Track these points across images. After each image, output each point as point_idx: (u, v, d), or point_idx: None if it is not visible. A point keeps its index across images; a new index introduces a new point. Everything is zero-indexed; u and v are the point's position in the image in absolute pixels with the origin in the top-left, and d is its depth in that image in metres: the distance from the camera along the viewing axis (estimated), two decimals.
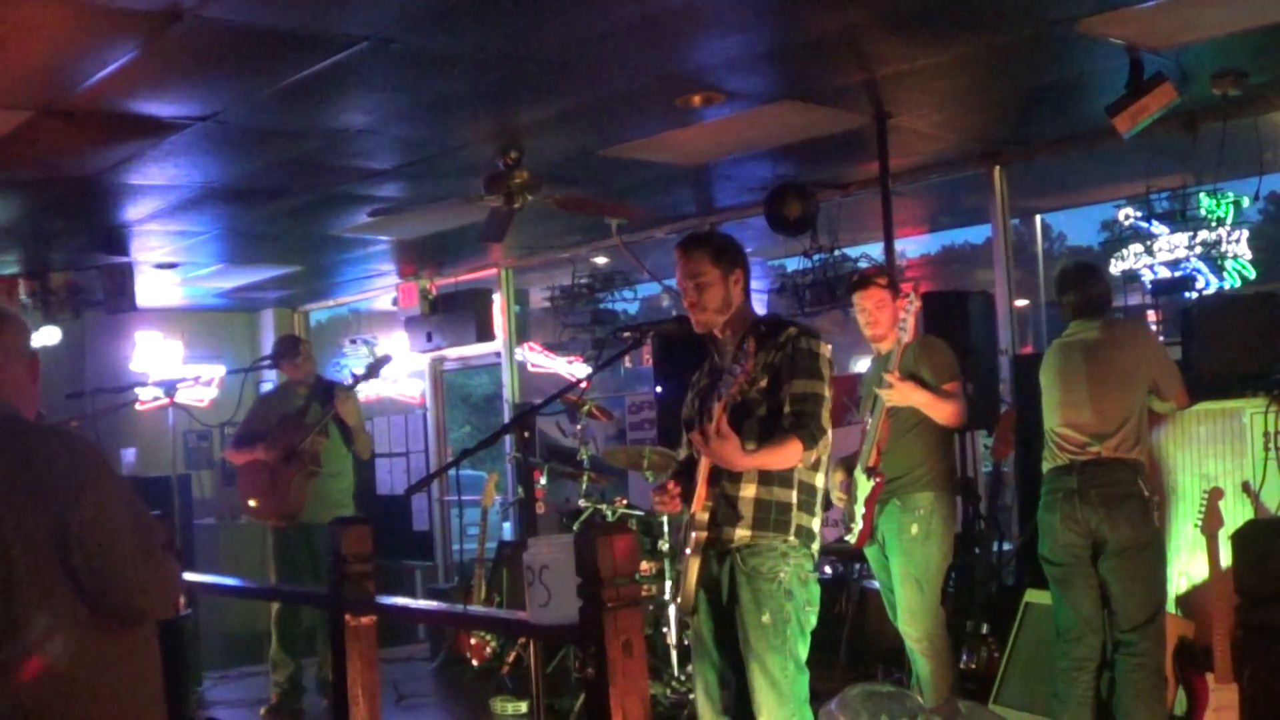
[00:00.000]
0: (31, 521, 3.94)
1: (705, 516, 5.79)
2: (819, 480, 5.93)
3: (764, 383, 5.78)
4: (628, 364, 22.74)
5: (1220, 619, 6.71)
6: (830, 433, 5.83)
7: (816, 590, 5.89)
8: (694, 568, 5.86)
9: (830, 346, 5.93)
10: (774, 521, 5.76)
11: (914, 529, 7.68)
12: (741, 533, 5.76)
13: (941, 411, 7.77)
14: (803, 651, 5.78)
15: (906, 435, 7.76)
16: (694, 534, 5.80)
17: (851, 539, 7.95)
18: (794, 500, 5.80)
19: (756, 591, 5.71)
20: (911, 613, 7.73)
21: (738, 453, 5.63)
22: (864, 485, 7.77)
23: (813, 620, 5.84)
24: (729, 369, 5.66)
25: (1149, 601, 6.63)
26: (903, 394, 7.68)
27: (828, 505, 6.28)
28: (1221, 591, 6.67)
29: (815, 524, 5.90)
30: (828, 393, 5.80)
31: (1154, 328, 12.22)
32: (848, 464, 7.99)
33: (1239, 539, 3.08)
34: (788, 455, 5.70)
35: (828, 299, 11.68)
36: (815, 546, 5.91)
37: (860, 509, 7.79)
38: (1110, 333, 7.40)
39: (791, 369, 5.76)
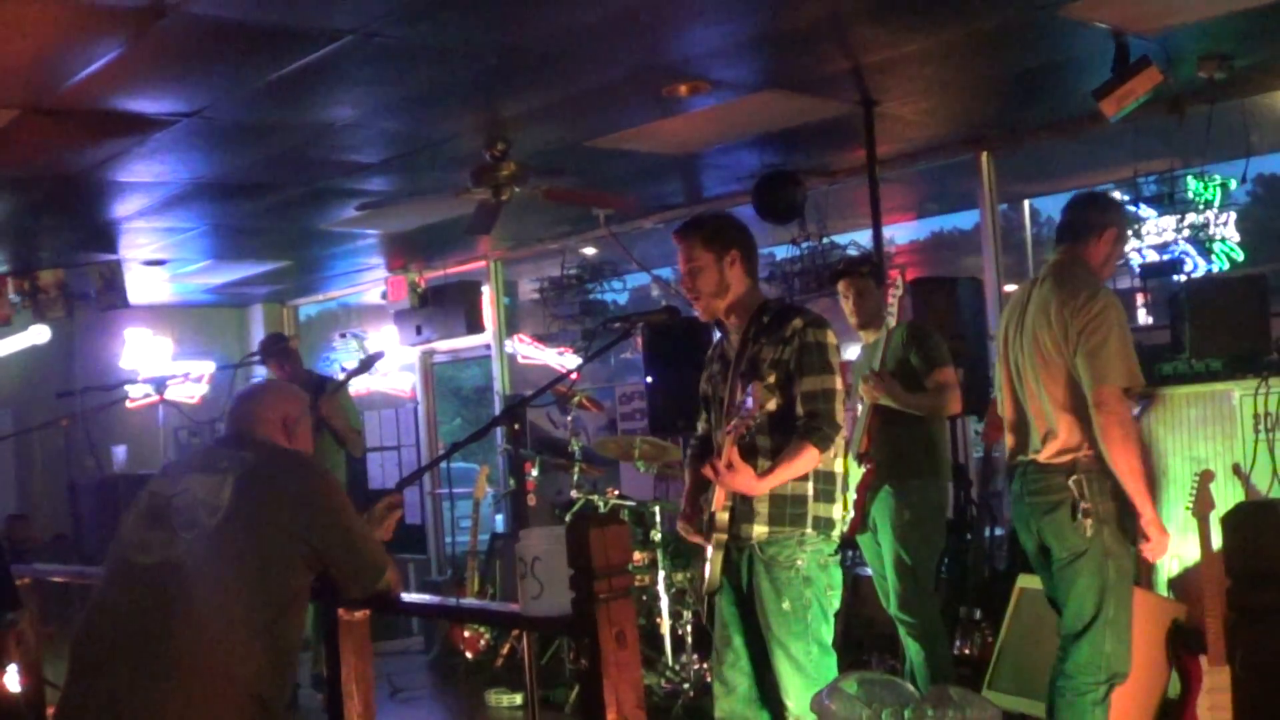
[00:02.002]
0: (285, 532, 4.80)
1: (725, 516, 5.79)
2: (838, 466, 5.93)
3: (772, 378, 5.75)
4: (626, 355, 22.73)
5: (1212, 601, 6.70)
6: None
7: (838, 574, 5.93)
8: (718, 560, 5.89)
9: (834, 335, 5.89)
10: (790, 516, 5.76)
11: (906, 515, 7.68)
12: (760, 529, 5.77)
13: (928, 407, 7.76)
14: (827, 634, 5.82)
15: (898, 421, 7.75)
16: (715, 534, 5.81)
17: (843, 527, 7.94)
18: (810, 491, 5.79)
19: (775, 580, 5.74)
20: (905, 599, 7.73)
21: (753, 481, 5.66)
22: (855, 472, 7.76)
23: (836, 603, 5.87)
24: (739, 406, 5.65)
25: (1079, 615, 6.23)
26: (885, 393, 7.66)
27: None
28: (1213, 574, 6.66)
29: (835, 511, 5.90)
30: (839, 384, 5.79)
31: (1142, 310, 12.18)
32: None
33: (1229, 521, 3.08)
34: (804, 464, 5.70)
35: (816, 287, 11.69)
36: (835, 532, 5.91)
37: (852, 496, 7.78)
38: (1043, 291, 6.33)
39: (801, 366, 5.74)
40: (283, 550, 4.78)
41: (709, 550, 5.89)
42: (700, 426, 6.36)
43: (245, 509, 4.76)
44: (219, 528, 4.71)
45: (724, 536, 5.80)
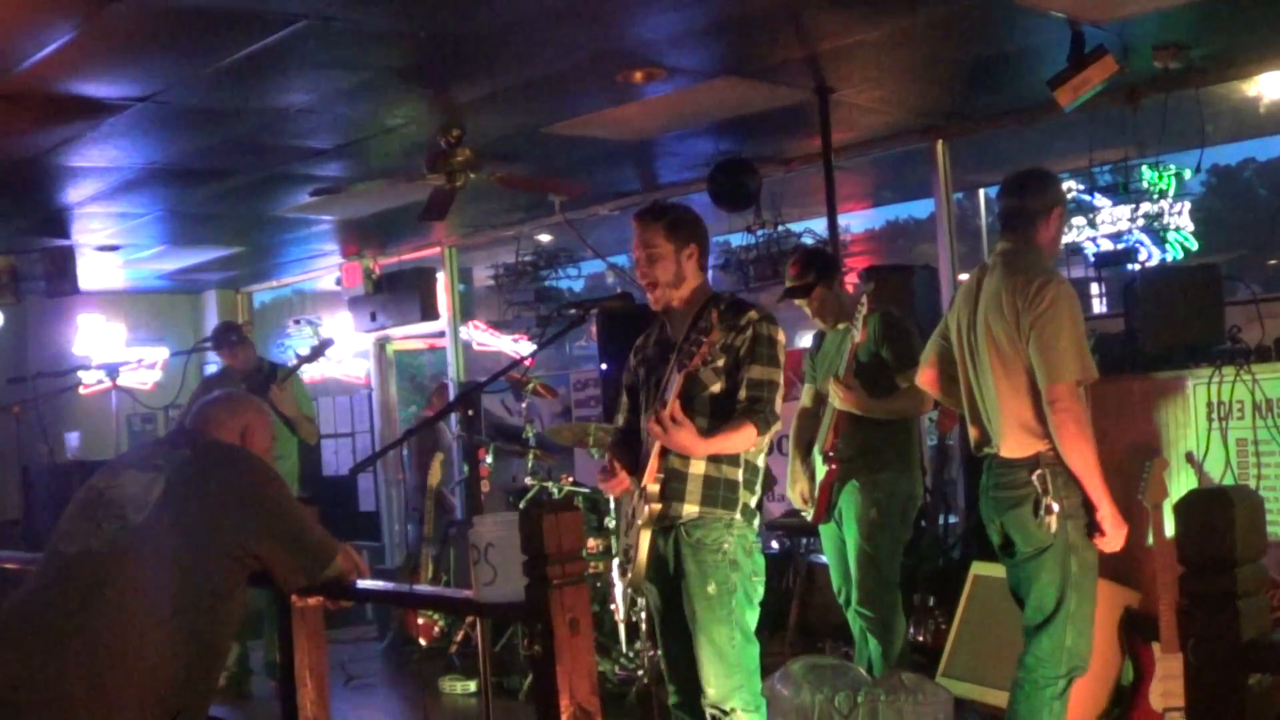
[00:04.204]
0: (218, 528, 4.85)
1: (656, 489, 5.80)
2: (761, 460, 5.98)
3: (720, 362, 5.81)
4: (581, 342, 22.75)
5: (1165, 589, 6.72)
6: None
7: (762, 561, 5.92)
8: (645, 540, 5.88)
9: (783, 332, 5.95)
10: (722, 499, 5.80)
11: (873, 512, 7.58)
12: (690, 508, 5.78)
13: (898, 411, 7.69)
14: (751, 622, 5.81)
15: (868, 418, 7.67)
16: (646, 506, 5.80)
17: (808, 516, 7.91)
18: (740, 479, 5.85)
19: (701, 563, 5.74)
20: (869, 593, 7.64)
21: (695, 439, 5.67)
22: (820, 469, 7.71)
23: (760, 590, 5.87)
24: (689, 343, 5.69)
25: (1040, 608, 6.16)
26: (853, 404, 7.58)
27: (770, 484, 6.25)
28: (1166, 562, 6.68)
29: (755, 501, 5.95)
30: (782, 380, 5.88)
31: (1096, 300, 12.20)
32: (805, 443, 7.92)
33: (1181, 508, 3.08)
34: (743, 439, 5.76)
35: (771, 275, 11.69)
36: (757, 522, 5.96)
37: (815, 491, 7.74)
38: (994, 281, 6.17)
39: (752, 354, 5.80)
40: (214, 547, 4.79)
41: (637, 534, 5.90)
42: (622, 418, 6.41)
43: (174, 506, 4.79)
44: (143, 524, 4.74)
45: (656, 508, 5.81)
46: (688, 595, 5.79)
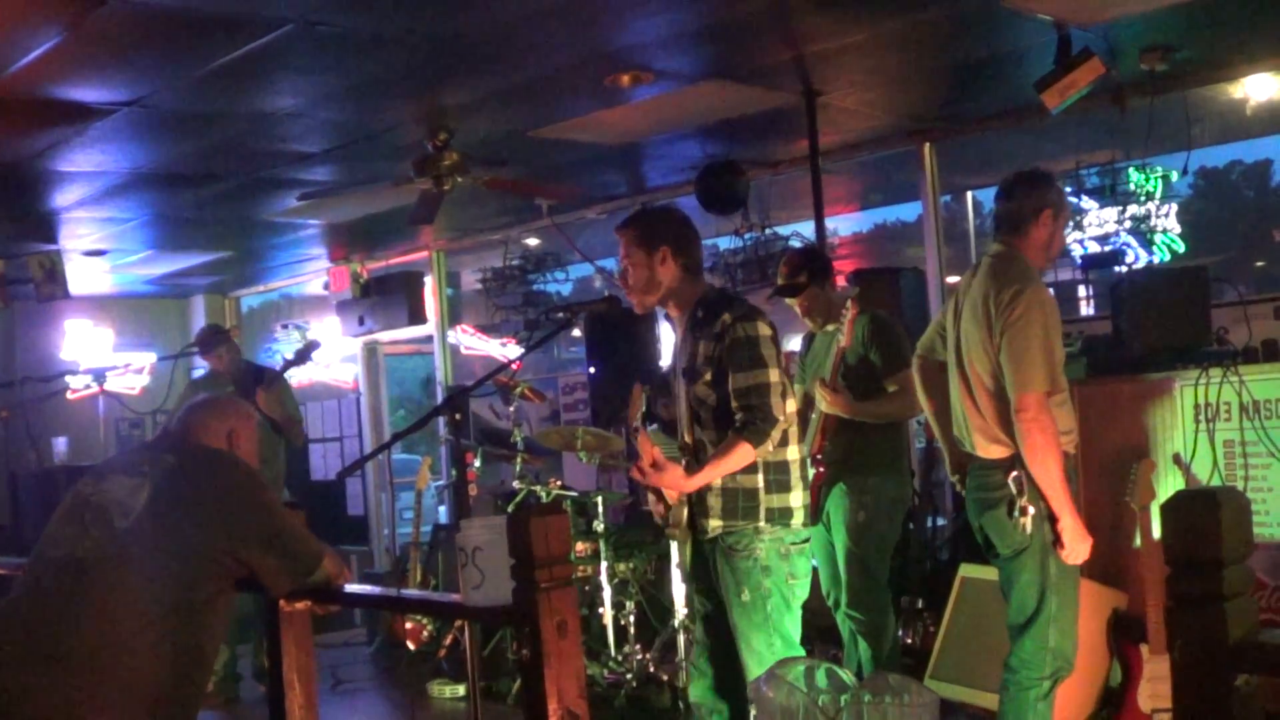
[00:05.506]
0: (204, 533, 4.86)
1: (683, 512, 5.84)
2: (791, 453, 5.88)
3: (708, 376, 5.77)
4: (570, 350, 22.74)
5: (1153, 590, 6.72)
6: (789, 408, 5.81)
7: (802, 563, 5.89)
8: (686, 549, 6.03)
9: (769, 326, 5.82)
10: (742, 509, 5.75)
11: (861, 515, 7.55)
12: (714, 523, 5.77)
13: (886, 414, 7.67)
14: (790, 626, 5.81)
15: (855, 421, 7.65)
16: (673, 529, 5.90)
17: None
18: (760, 484, 5.77)
19: (734, 570, 5.75)
20: (858, 596, 7.62)
21: (680, 480, 5.69)
22: (808, 471, 7.69)
23: (800, 594, 5.86)
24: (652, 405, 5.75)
25: (1021, 610, 6.14)
26: (838, 407, 7.57)
27: None
28: (1153, 563, 6.69)
29: (792, 499, 5.85)
30: (774, 376, 5.72)
31: (1084, 302, 12.20)
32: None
33: (1168, 510, 3.07)
34: (737, 459, 5.68)
35: (759, 278, 11.69)
36: (796, 521, 5.86)
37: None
38: (976, 284, 6.19)
39: (731, 361, 5.71)
40: (200, 553, 4.80)
41: (676, 536, 5.95)
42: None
43: (160, 512, 4.80)
44: (129, 529, 4.74)
45: (675, 531, 5.83)
46: (726, 603, 5.81)
